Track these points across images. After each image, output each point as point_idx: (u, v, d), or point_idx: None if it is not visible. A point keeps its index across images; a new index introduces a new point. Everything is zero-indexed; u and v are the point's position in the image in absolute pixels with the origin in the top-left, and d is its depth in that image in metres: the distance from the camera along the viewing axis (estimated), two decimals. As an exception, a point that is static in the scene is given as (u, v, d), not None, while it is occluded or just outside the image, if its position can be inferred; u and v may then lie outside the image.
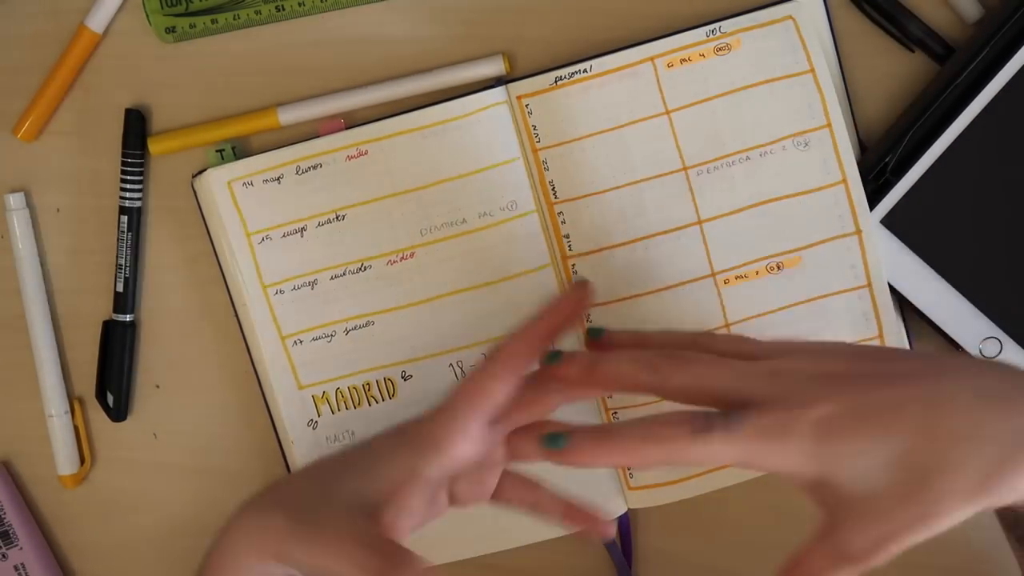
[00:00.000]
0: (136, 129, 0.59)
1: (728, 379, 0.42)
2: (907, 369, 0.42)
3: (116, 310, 0.60)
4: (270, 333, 0.58)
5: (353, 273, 0.57)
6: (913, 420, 0.40)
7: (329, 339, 0.58)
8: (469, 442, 0.44)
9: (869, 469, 0.40)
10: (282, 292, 0.58)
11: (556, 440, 0.42)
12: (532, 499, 0.50)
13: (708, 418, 0.41)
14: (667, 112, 0.55)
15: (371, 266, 0.57)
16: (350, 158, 0.57)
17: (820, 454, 0.40)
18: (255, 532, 0.47)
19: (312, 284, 0.57)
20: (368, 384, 0.58)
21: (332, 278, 0.57)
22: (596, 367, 0.44)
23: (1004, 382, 0.41)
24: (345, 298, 0.57)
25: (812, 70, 0.54)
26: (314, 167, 0.57)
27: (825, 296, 0.55)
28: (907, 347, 0.55)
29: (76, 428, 0.61)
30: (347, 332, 0.58)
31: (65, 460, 0.61)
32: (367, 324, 0.57)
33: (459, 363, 0.57)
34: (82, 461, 0.62)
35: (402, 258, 0.57)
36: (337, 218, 0.57)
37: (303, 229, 0.57)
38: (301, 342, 0.58)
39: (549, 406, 0.46)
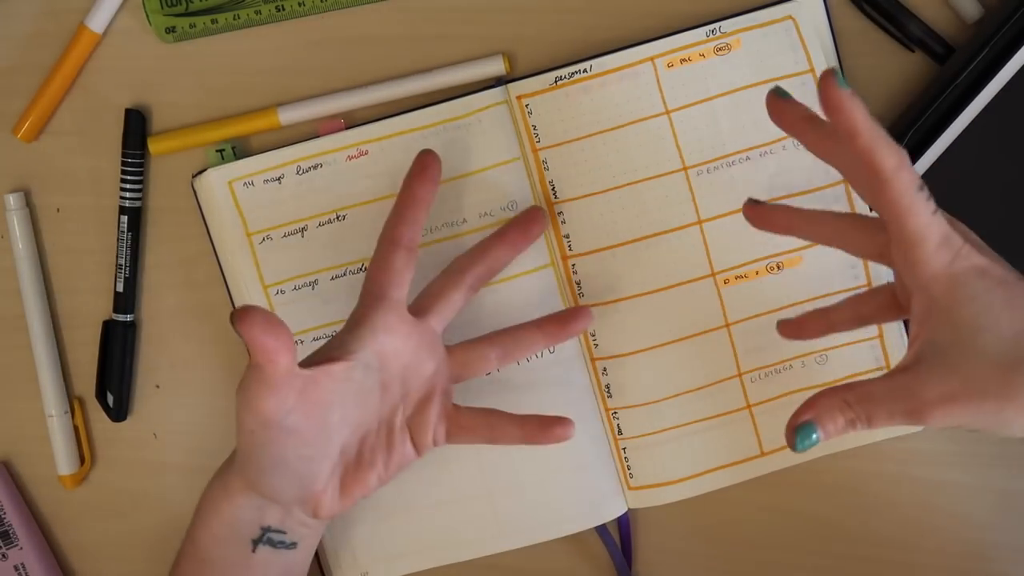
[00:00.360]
0: (136, 129, 0.59)
1: (915, 184, 0.41)
2: None
3: (116, 310, 0.60)
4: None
5: (354, 273, 0.57)
6: None
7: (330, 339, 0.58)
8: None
9: (997, 326, 0.41)
10: (283, 292, 0.58)
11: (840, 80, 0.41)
12: (488, 425, 0.53)
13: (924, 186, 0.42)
14: (667, 112, 0.55)
15: None
16: (350, 158, 0.57)
17: (963, 281, 0.42)
18: (219, 482, 0.53)
19: (313, 284, 0.57)
20: (368, 384, 0.58)
21: (333, 278, 0.57)
22: (842, 101, 0.41)
23: None
24: (346, 298, 0.57)
25: (812, 70, 0.54)
26: (315, 167, 0.57)
27: (825, 296, 0.55)
28: (905, 348, 0.55)
29: (76, 428, 0.61)
30: None
31: (65, 460, 0.61)
32: None
33: None
34: (82, 461, 0.62)
35: None
36: (338, 218, 0.57)
37: (304, 229, 0.57)
38: (302, 342, 0.58)
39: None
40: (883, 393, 0.43)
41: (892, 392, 0.42)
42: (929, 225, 0.42)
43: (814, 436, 0.43)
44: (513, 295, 0.56)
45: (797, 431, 0.43)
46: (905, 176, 0.41)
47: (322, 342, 0.57)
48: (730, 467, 0.57)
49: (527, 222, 0.55)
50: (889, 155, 0.41)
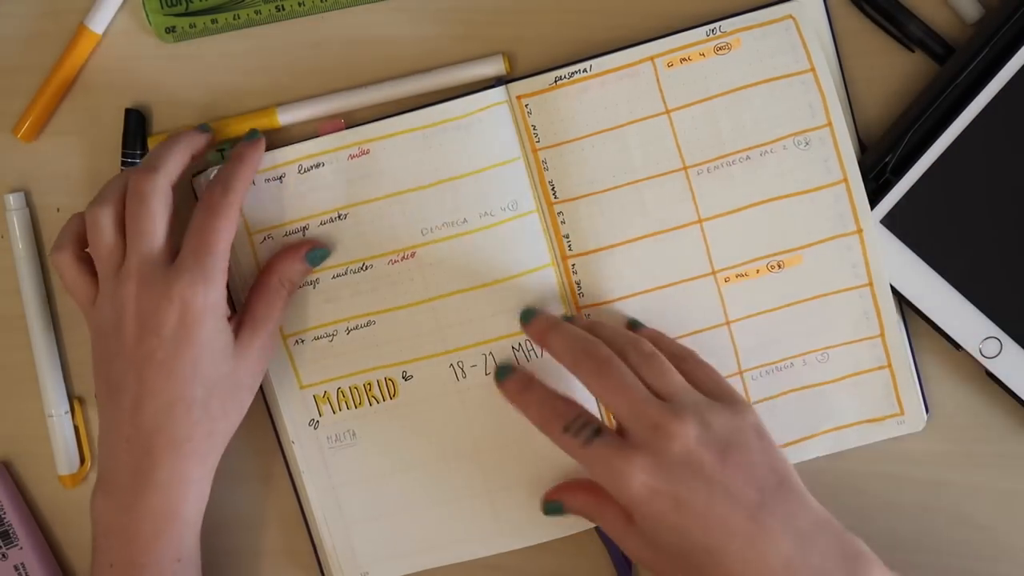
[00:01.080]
0: (136, 129, 0.59)
1: (620, 406, 0.49)
2: (743, 507, 0.46)
3: (116, 310, 0.60)
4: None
5: (355, 272, 0.57)
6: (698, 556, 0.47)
7: (331, 338, 0.58)
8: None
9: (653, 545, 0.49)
10: (283, 292, 0.58)
11: (503, 371, 0.53)
12: None
13: (582, 424, 0.49)
14: (667, 112, 0.55)
15: (372, 265, 0.57)
16: (352, 157, 0.57)
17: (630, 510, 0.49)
18: None
19: (314, 283, 0.57)
20: (369, 384, 0.58)
21: (334, 277, 0.57)
22: (544, 335, 0.53)
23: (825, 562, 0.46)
24: (347, 297, 0.57)
25: (812, 69, 0.54)
26: (316, 166, 0.57)
27: (826, 295, 0.55)
28: (907, 347, 0.55)
29: (76, 428, 0.61)
30: (348, 332, 0.58)
31: (65, 460, 0.61)
32: (368, 324, 0.57)
33: (459, 363, 0.57)
34: (82, 461, 0.62)
35: (403, 258, 0.57)
36: (339, 217, 0.57)
37: (305, 228, 0.57)
38: (303, 341, 0.58)
39: None
40: (610, 524, 0.51)
41: (615, 531, 0.51)
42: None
43: (559, 509, 0.54)
44: (513, 295, 0.56)
45: (546, 504, 0.55)
46: (554, 430, 0.50)
47: (324, 341, 0.57)
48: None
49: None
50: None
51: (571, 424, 0.49)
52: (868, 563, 0.46)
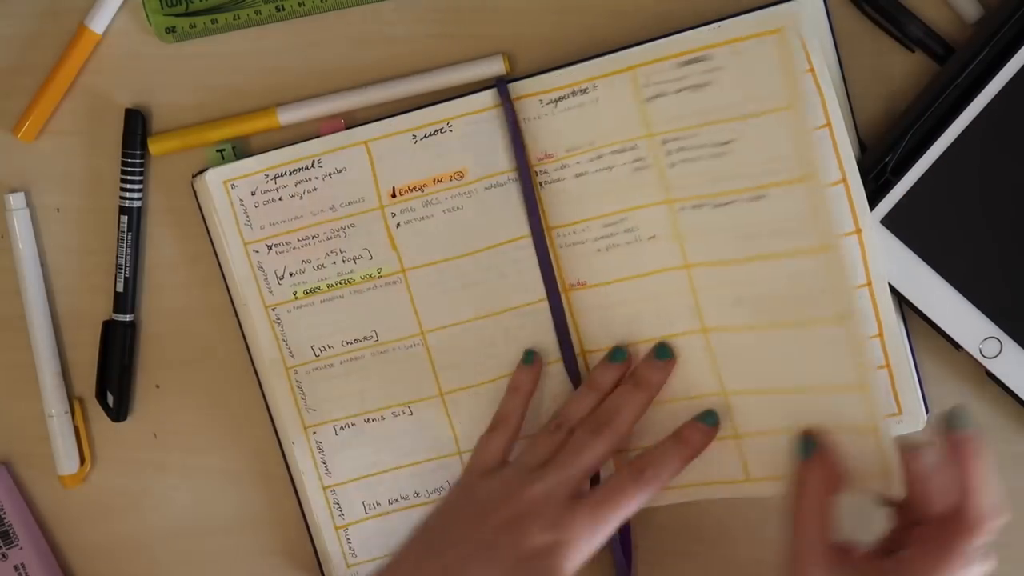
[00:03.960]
0: (136, 129, 0.59)
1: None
2: None
3: (116, 310, 0.60)
4: (270, 332, 0.58)
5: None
6: None
7: (330, 367, 0.58)
8: None
9: None
10: (282, 292, 0.58)
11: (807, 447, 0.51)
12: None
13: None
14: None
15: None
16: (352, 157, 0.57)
17: None
18: None
19: (315, 290, 0.57)
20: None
21: (331, 285, 0.57)
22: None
23: None
24: (346, 296, 0.57)
25: (812, 69, 0.53)
26: (316, 165, 0.57)
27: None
28: (906, 347, 0.55)
29: (76, 428, 0.61)
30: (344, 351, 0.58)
31: (65, 460, 0.61)
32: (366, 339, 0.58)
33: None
34: (82, 461, 0.62)
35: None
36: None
37: (305, 228, 0.57)
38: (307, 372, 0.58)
39: None
40: None
41: None
42: None
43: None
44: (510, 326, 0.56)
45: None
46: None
47: (323, 370, 0.57)
48: (730, 484, 0.56)
49: None
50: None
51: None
52: None
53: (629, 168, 0.54)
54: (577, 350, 0.57)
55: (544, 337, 0.56)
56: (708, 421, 0.54)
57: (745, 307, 0.53)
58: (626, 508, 0.50)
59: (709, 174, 0.53)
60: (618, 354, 0.55)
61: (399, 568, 0.50)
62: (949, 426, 0.48)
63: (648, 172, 0.54)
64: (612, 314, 0.56)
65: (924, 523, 0.48)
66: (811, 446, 0.51)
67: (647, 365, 0.55)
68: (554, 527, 0.49)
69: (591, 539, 0.49)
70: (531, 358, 0.56)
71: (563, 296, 0.56)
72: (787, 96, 0.51)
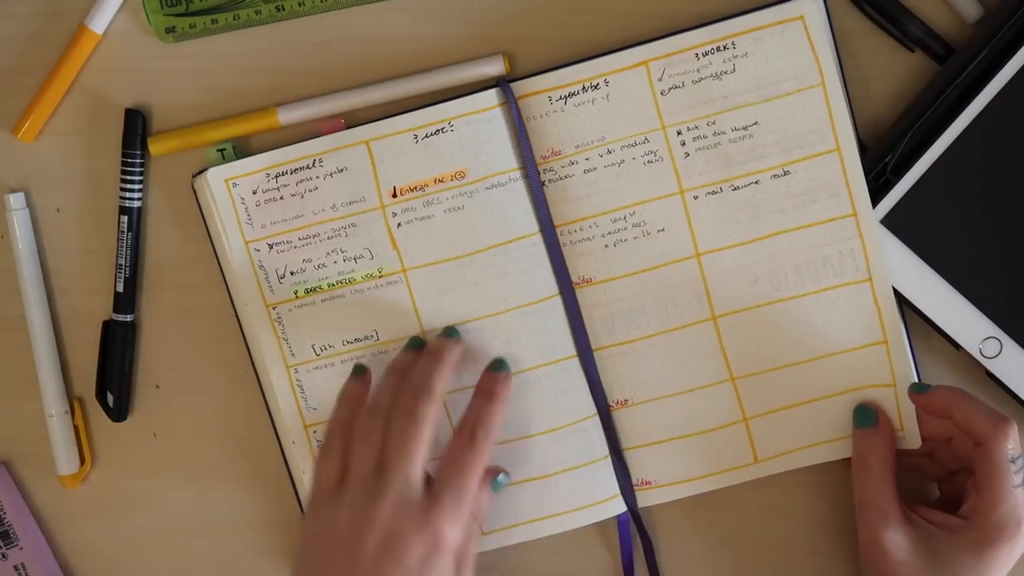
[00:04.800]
0: (136, 129, 0.59)
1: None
2: None
3: (116, 310, 0.60)
4: (271, 331, 0.58)
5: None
6: None
7: (332, 367, 0.58)
8: None
9: None
10: (283, 292, 0.58)
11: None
12: None
13: None
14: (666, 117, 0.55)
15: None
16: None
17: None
18: None
19: (316, 290, 0.57)
20: (368, 385, 0.58)
21: (331, 285, 0.57)
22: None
23: None
24: (347, 295, 0.57)
25: (820, 70, 0.53)
26: (316, 165, 0.57)
27: (821, 292, 0.55)
28: (907, 347, 0.55)
29: (76, 428, 0.61)
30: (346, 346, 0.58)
31: (65, 460, 0.61)
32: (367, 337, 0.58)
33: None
34: (82, 461, 0.62)
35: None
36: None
37: (305, 227, 0.57)
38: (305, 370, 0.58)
39: None
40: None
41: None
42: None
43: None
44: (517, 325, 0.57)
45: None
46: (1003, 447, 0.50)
47: (325, 369, 0.57)
48: (731, 471, 0.57)
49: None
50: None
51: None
52: None
53: (641, 161, 0.54)
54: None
55: (548, 336, 0.56)
56: (501, 369, 0.55)
57: (763, 284, 0.54)
58: (475, 473, 0.52)
59: (728, 159, 0.54)
60: (452, 332, 0.56)
61: None
62: (916, 391, 0.53)
63: (660, 164, 0.54)
64: (616, 309, 0.56)
65: (956, 473, 0.53)
66: (871, 414, 0.53)
67: (439, 340, 0.56)
68: (425, 532, 0.50)
69: (464, 517, 0.51)
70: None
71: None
72: (818, 73, 0.53)
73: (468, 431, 0.53)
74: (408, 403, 0.52)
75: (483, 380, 0.55)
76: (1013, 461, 0.50)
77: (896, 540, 0.51)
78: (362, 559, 0.49)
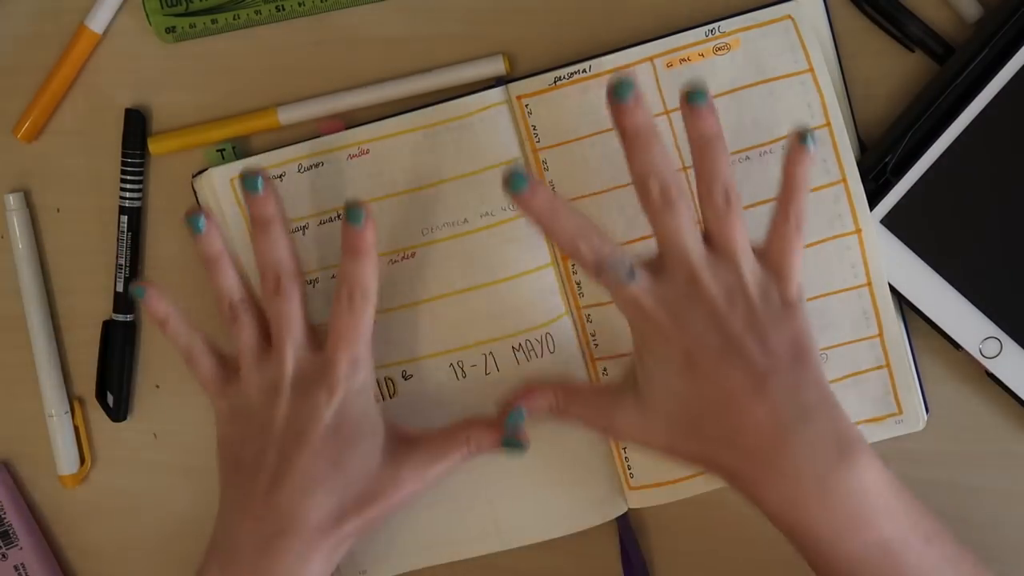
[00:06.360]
0: (136, 129, 0.59)
1: (668, 245, 0.49)
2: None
3: (116, 310, 0.60)
4: (270, 333, 0.58)
5: None
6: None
7: None
8: None
9: (668, 384, 0.49)
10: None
11: (517, 180, 0.48)
12: None
13: (616, 262, 0.48)
14: (666, 112, 0.55)
15: None
16: (352, 157, 0.57)
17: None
18: None
19: (314, 283, 0.58)
20: (368, 383, 0.58)
21: (333, 276, 0.57)
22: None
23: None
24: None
25: (811, 69, 0.54)
26: (316, 165, 0.57)
27: (825, 295, 0.55)
28: (906, 347, 0.55)
29: (76, 428, 0.61)
30: None
31: (65, 460, 0.61)
32: None
33: (459, 363, 0.57)
34: (82, 461, 0.62)
35: (403, 257, 0.57)
36: (339, 217, 0.57)
37: (305, 227, 0.57)
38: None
39: None
40: (586, 400, 0.52)
41: (594, 404, 0.51)
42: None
43: (522, 415, 0.52)
44: (513, 295, 0.56)
45: (509, 415, 0.52)
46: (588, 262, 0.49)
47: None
48: None
49: None
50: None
51: (604, 263, 0.48)
52: (858, 452, 0.46)
53: None
54: (588, 357, 0.57)
55: (544, 304, 0.56)
56: (357, 220, 0.52)
57: None
58: (360, 334, 0.52)
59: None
60: (353, 214, 0.53)
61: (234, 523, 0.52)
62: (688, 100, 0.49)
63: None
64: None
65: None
66: (519, 178, 0.49)
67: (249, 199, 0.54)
68: (328, 389, 0.52)
69: (361, 364, 0.52)
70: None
71: (575, 309, 0.56)
72: (806, 62, 0.53)
73: (345, 295, 0.52)
74: (276, 287, 0.53)
75: (344, 235, 0.53)
76: (599, 269, 0.48)
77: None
78: (275, 425, 0.52)
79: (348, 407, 0.52)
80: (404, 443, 0.53)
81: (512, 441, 0.53)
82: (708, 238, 0.49)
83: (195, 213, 0.53)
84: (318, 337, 0.54)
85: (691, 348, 0.47)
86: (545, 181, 0.56)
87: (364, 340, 0.53)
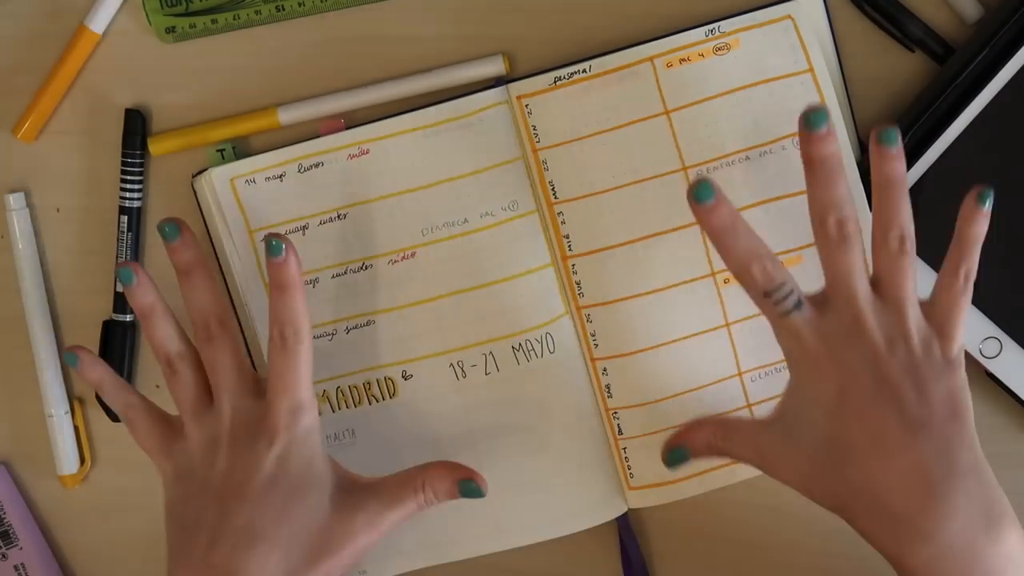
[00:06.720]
0: (136, 129, 0.59)
1: (837, 286, 0.48)
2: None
3: (116, 310, 0.60)
4: (270, 333, 0.58)
5: (354, 272, 0.57)
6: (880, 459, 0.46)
7: (330, 337, 0.58)
8: None
9: (815, 423, 0.47)
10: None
11: (704, 191, 0.47)
12: None
13: (786, 294, 0.47)
14: (667, 112, 0.55)
15: (372, 265, 0.57)
16: (352, 157, 0.57)
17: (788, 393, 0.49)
18: None
19: (314, 283, 0.58)
20: (368, 383, 0.58)
21: (333, 276, 0.57)
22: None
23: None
24: (346, 297, 0.57)
25: (811, 69, 0.54)
26: (316, 165, 0.57)
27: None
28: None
29: (76, 428, 0.61)
30: (348, 331, 0.58)
31: (65, 460, 0.61)
32: (368, 323, 0.57)
33: (459, 363, 0.57)
34: (82, 461, 0.62)
35: (403, 257, 0.57)
36: (339, 217, 0.57)
37: (305, 227, 0.57)
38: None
39: None
40: (741, 435, 0.50)
41: (747, 437, 0.50)
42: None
43: (684, 454, 0.51)
44: (513, 295, 0.56)
45: (671, 452, 0.51)
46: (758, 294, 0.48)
47: (323, 340, 0.57)
48: (729, 466, 0.57)
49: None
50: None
51: (774, 291, 0.47)
52: (1007, 523, 0.45)
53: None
54: (588, 357, 0.57)
55: (543, 302, 0.56)
56: (278, 253, 0.50)
57: None
58: (300, 373, 0.50)
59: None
60: (274, 248, 0.51)
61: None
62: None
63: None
64: (632, 324, 0.56)
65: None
66: (707, 190, 0.47)
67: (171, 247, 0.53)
68: (267, 438, 0.50)
69: (304, 409, 0.50)
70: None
71: (575, 309, 0.56)
72: (806, 62, 0.53)
73: (277, 335, 0.50)
74: (209, 336, 0.52)
75: (268, 270, 0.51)
76: (767, 295, 0.48)
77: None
78: (214, 481, 0.50)
79: (291, 456, 0.50)
80: (357, 491, 0.51)
81: (470, 487, 0.51)
82: (877, 282, 0.48)
83: (124, 266, 0.52)
84: (260, 384, 0.52)
85: (845, 385, 0.46)
86: (545, 181, 0.56)
87: (304, 382, 0.50)
